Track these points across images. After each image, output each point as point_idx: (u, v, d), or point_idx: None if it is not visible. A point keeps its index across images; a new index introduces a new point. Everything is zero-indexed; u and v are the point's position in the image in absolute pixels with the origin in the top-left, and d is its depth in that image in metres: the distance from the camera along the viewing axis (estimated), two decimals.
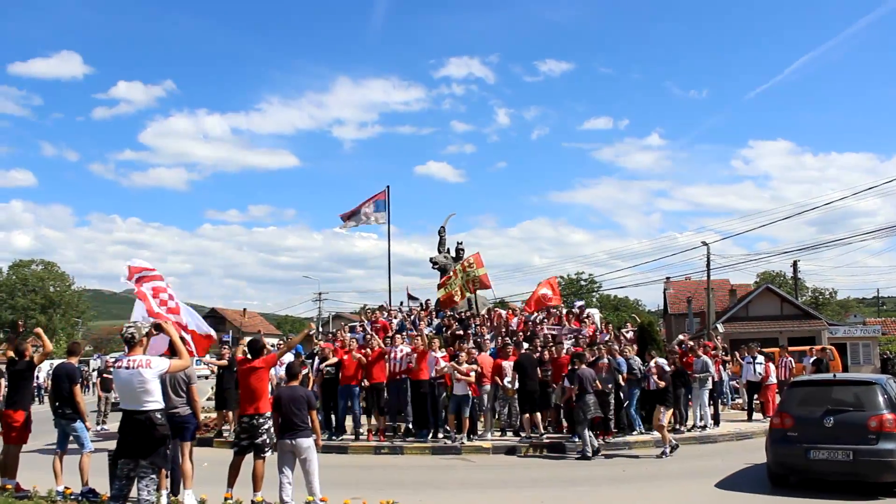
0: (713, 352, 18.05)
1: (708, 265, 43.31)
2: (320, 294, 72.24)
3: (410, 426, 15.76)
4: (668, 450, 13.81)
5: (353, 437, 15.72)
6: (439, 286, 21.96)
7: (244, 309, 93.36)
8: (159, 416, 6.66)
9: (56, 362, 13.81)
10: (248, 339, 10.35)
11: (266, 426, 8.97)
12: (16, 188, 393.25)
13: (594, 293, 78.09)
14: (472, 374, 14.84)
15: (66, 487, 9.33)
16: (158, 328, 7.34)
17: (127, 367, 6.64)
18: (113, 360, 26.68)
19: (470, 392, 14.80)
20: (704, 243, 43.51)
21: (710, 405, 17.16)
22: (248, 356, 9.43)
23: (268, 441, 8.97)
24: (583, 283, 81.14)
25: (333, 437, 15.54)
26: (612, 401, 15.20)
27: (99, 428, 18.71)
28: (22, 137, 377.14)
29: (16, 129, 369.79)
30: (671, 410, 14.44)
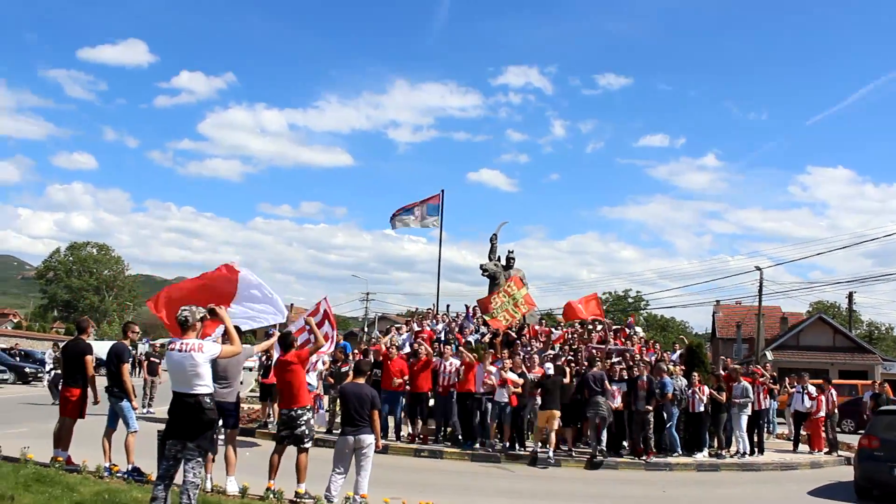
0: (761, 378, 17.69)
1: (760, 290, 42.56)
2: (367, 294, 72.44)
3: (459, 437, 15.71)
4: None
5: (394, 438, 15.77)
6: (484, 310, 21.77)
7: (291, 304, 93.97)
8: (208, 401, 6.76)
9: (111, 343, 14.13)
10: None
11: (305, 418, 9.07)
12: (78, 170, 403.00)
13: (641, 312, 77.18)
14: (516, 382, 14.84)
15: (113, 464, 9.54)
16: (213, 313, 7.46)
17: (179, 350, 6.75)
18: (160, 344, 27.37)
19: (509, 401, 14.80)
20: (758, 268, 42.77)
21: (754, 433, 16.89)
22: (283, 351, 9.53)
23: (307, 432, 9.06)
24: (630, 300, 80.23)
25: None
26: (652, 419, 15.10)
27: (144, 410, 19.07)
28: (86, 121, 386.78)
29: (81, 113, 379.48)
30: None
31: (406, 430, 16.04)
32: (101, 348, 18.83)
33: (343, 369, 16.20)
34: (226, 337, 7.72)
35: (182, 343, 6.81)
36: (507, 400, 14.78)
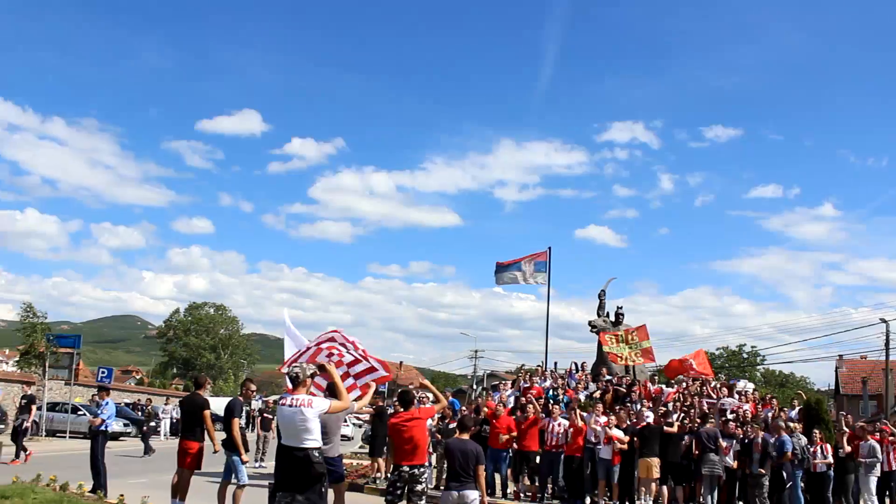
0: (890, 437, 16.64)
1: (887, 344, 40.21)
2: (476, 352, 72.41)
3: (565, 495, 15.44)
4: None
5: (500, 495, 15.61)
6: (602, 343, 21.73)
7: (401, 362, 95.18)
8: (317, 455, 6.94)
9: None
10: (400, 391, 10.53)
11: (425, 475, 9.08)
12: (196, 234, 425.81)
13: (757, 367, 74.12)
14: (621, 439, 14.53)
15: None
16: (322, 369, 7.68)
17: (290, 405, 6.98)
18: (273, 400, 28.14)
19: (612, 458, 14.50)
20: (883, 320, 40.51)
21: (885, 497, 15.85)
22: (401, 408, 9.55)
23: (425, 490, 9.06)
24: (745, 355, 77.14)
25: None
26: (767, 483, 14.41)
27: (257, 465, 19.55)
28: (204, 188, 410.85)
29: (199, 181, 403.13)
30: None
31: (511, 487, 15.85)
32: (217, 404, 19.60)
33: (451, 425, 16.21)
34: (332, 392, 7.90)
35: (293, 398, 7.05)
36: (611, 457, 14.47)
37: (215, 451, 10.58)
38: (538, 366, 24.68)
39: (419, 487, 8.91)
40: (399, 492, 9.01)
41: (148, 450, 22.97)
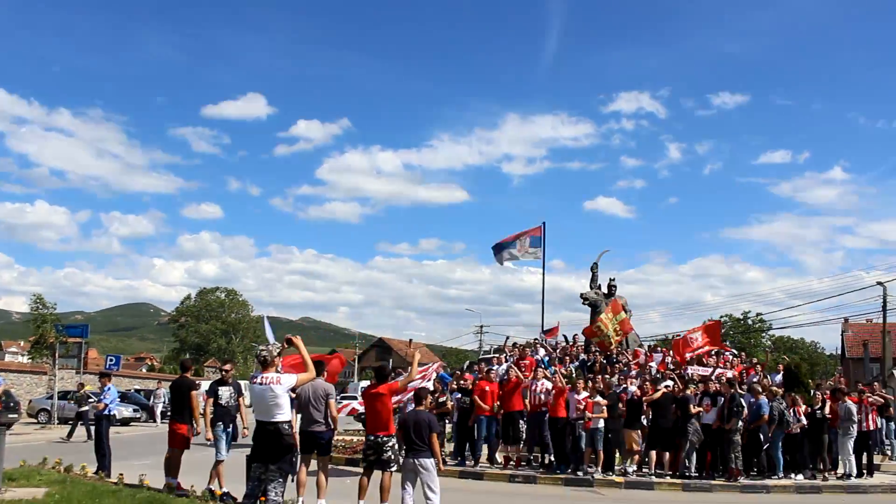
0: (869, 399, 17.14)
1: (884, 306, 40.71)
2: (481, 327, 73.59)
3: (552, 459, 16.06)
4: None
5: (488, 464, 16.25)
6: (590, 333, 22.18)
7: (410, 339, 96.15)
8: (287, 427, 7.57)
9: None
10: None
11: (389, 444, 9.72)
12: (205, 220, 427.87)
13: (763, 333, 74.23)
14: (599, 405, 15.12)
15: (215, 489, 10.40)
16: (290, 343, 8.30)
17: (261, 384, 7.60)
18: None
19: (601, 424, 15.06)
20: (880, 283, 40.96)
21: (864, 455, 16.38)
22: (375, 381, 10.23)
23: (392, 457, 9.71)
24: (750, 322, 77.18)
25: (468, 464, 16.14)
26: (739, 440, 14.93)
27: None
28: (211, 174, 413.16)
29: (206, 167, 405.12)
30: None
31: (500, 454, 16.46)
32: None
33: (441, 399, 16.86)
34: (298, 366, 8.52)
35: (262, 377, 7.66)
36: (597, 425, 14.99)
37: (197, 433, 11.12)
38: (535, 339, 25.20)
39: (385, 456, 9.58)
40: (372, 458, 9.70)
41: (71, 434, 22.95)
